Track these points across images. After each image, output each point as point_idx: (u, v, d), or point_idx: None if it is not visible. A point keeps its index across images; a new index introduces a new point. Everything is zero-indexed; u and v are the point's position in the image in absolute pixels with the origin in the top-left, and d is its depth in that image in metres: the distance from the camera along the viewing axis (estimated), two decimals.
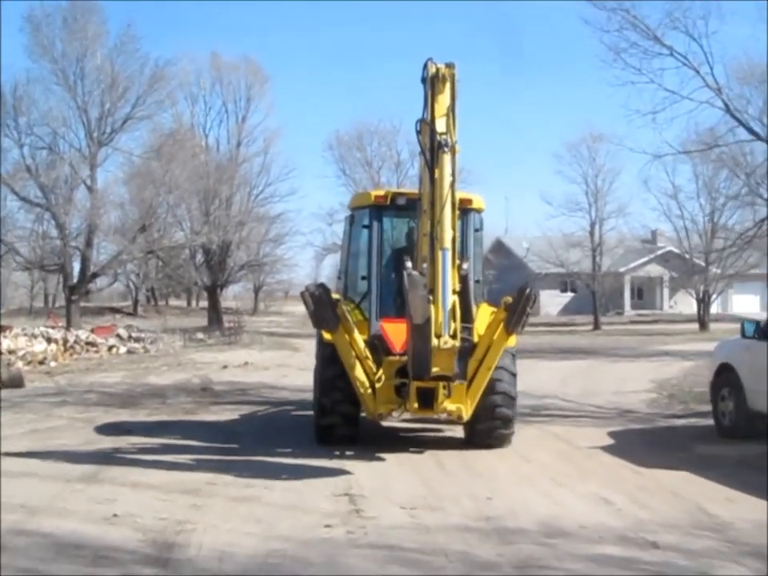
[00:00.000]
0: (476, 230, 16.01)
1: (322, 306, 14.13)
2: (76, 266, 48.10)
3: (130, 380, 26.61)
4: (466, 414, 14.02)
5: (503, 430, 15.08)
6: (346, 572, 8.40)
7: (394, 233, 16.74)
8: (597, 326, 67.18)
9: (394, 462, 13.94)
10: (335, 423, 14.89)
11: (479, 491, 11.77)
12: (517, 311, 13.74)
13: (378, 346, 14.62)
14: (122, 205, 51.01)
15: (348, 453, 14.30)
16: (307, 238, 74.20)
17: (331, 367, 14.70)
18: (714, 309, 66.68)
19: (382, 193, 16.39)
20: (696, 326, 64.06)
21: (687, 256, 68.02)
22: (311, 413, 16.19)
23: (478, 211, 16.13)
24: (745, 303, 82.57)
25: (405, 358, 13.72)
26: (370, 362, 14.38)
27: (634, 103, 40.71)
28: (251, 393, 23.60)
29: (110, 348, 38.13)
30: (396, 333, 14.34)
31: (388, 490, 11.88)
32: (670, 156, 59.53)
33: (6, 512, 10.16)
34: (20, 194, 46.19)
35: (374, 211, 15.78)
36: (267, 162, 64.50)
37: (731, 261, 62.81)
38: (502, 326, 13.97)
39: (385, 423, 15.67)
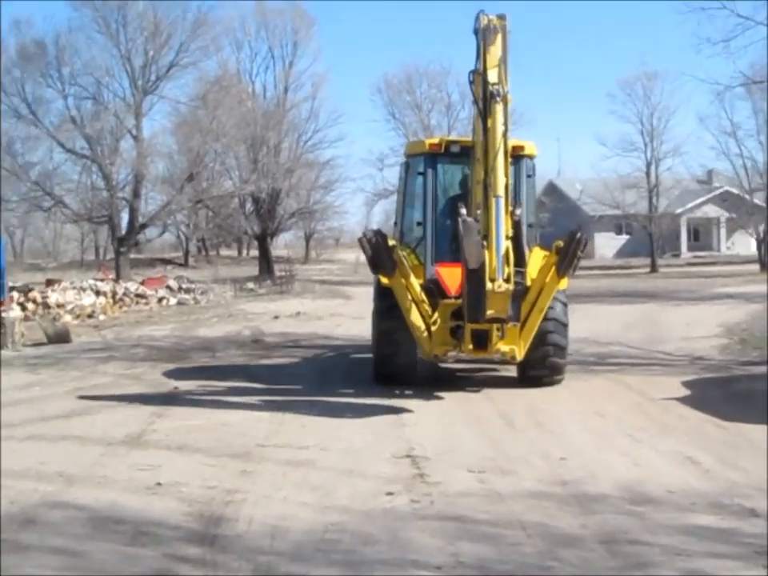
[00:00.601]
0: (528, 176, 16.43)
1: (379, 252, 14.61)
2: (124, 218, 47.47)
3: (180, 332, 25.90)
4: (519, 354, 14.49)
5: (556, 358, 15.54)
6: (413, 550, 7.46)
7: (448, 180, 16.95)
8: (654, 268, 65.68)
9: (456, 410, 13.28)
10: (393, 372, 15.60)
11: (552, 450, 10.91)
12: (568, 255, 14.10)
13: (434, 290, 15.05)
14: (168, 154, 50.21)
15: (407, 392, 14.96)
16: (357, 184, 73.57)
17: (388, 320, 15.34)
18: (758, 250, 64.69)
19: (436, 141, 16.77)
20: (756, 266, 62.55)
21: (747, 196, 66.42)
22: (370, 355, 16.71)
23: (531, 158, 16.54)
24: None
25: (460, 301, 14.15)
26: (426, 306, 14.87)
27: (705, 31, 39.25)
28: (304, 344, 22.84)
29: (160, 300, 37.49)
30: (451, 277, 14.69)
31: (453, 451, 11.04)
32: (729, 92, 58.54)
33: (42, 482, 9.49)
34: (66, 145, 45.41)
35: (428, 158, 16.27)
36: (315, 107, 63.33)
37: None
38: (553, 269, 14.37)
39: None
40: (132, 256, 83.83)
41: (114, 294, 35.86)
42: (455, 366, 17.10)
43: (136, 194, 45.97)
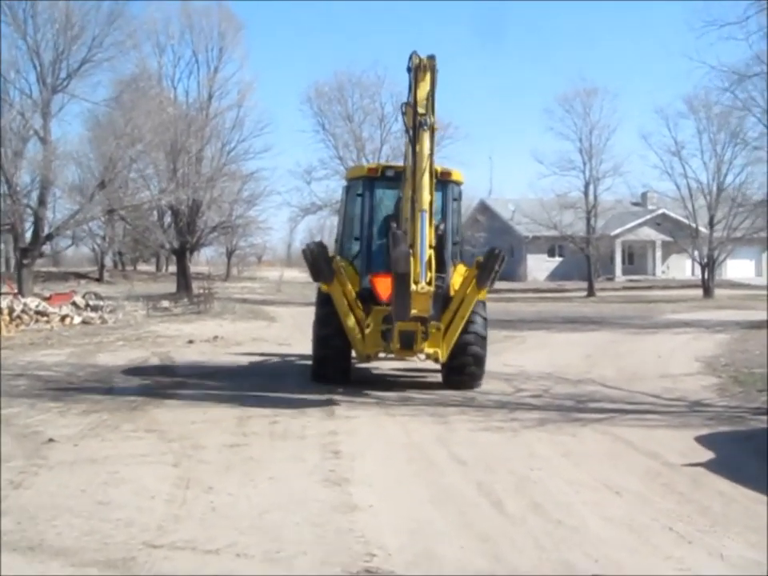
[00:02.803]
0: (454, 199, 18.47)
1: (319, 261, 16.93)
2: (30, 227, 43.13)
3: (76, 359, 22.06)
4: (442, 356, 16.92)
5: (475, 368, 17.60)
6: None
7: (383, 201, 18.64)
8: (591, 292, 63.22)
9: (417, 477, 9.70)
10: (330, 373, 17.60)
11: (574, 557, 7.71)
12: (486, 269, 16.68)
13: (368, 297, 17.30)
14: (79, 159, 46.06)
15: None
16: (283, 197, 70.04)
17: (326, 326, 17.29)
18: (702, 275, 62.27)
19: (374, 166, 19.45)
20: (697, 292, 60.62)
21: (685, 219, 64.23)
22: None
23: (457, 183, 18.66)
24: (739, 269, 79.15)
25: (390, 308, 15.72)
26: (360, 311, 17.20)
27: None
28: (220, 376, 19.19)
29: (63, 318, 33.42)
30: (383, 286, 16.49)
31: (430, 558, 7.64)
32: (671, 110, 56.38)
33: None
34: None
35: (366, 182, 18.38)
36: (240, 116, 59.29)
37: (738, 223, 59.23)
38: (474, 281, 16.85)
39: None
40: (44, 269, 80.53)
41: (11, 310, 31.86)
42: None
43: (42, 201, 41.69)
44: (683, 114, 60.40)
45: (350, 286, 17.22)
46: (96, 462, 10.91)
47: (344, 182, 20.56)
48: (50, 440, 12.07)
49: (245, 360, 22.43)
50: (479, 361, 17.57)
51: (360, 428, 13.47)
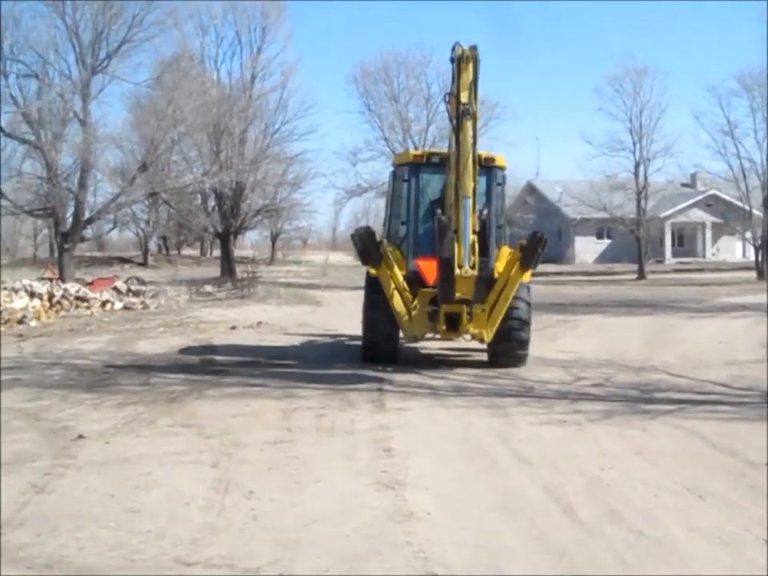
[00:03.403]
0: (498, 184, 18.84)
1: (367, 246, 17.43)
2: (72, 211, 42.35)
3: (114, 347, 21.27)
4: (487, 336, 17.29)
5: (520, 351, 18.07)
6: None
7: (429, 186, 18.93)
8: (642, 275, 61.59)
9: (478, 479, 8.74)
10: (378, 354, 18.10)
11: (662, 573, 6.82)
12: (529, 252, 17.01)
13: (414, 280, 17.67)
14: (120, 141, 45.35)
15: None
16: (329, 180, 68.88)
17: (377, 311, 17.74)
18: (755, 257, 60.58)
19: (419, 153, 19.98)
20: (749, 274, 58.85)
21: (738, 202, 62.72)
22: None
23: (501, 168, 19.04)
24: None
25: (436, 290, 16.50)
26: (408, 293, 17.54)
27: None
28: (264, 365, 18.33)
29: (104, 303, 32.71)
30: (429, 269, 16.98)
31: None
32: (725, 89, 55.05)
33: None
34: (5, 129, 40.41)
35: (412, 168, 18.86)
36: (284, 97, 58.23)
37: None
38: (517, 264, 17.17)
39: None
40: (88, 254, 79.97)
41: (51, 296, 31.18)
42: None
43: (82, 184, 40.79)
44: (736, 92, 58.82)
45: (397, 270, 17.60)
46: (128, 462, 10.07)
47: (390, 166, 21.68)
48: (80, 436, 11.25)
49: (289, 342, 21.62)
50: (523, 345, 18.04)
51: (413, 421, 12.54)
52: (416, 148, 55.73)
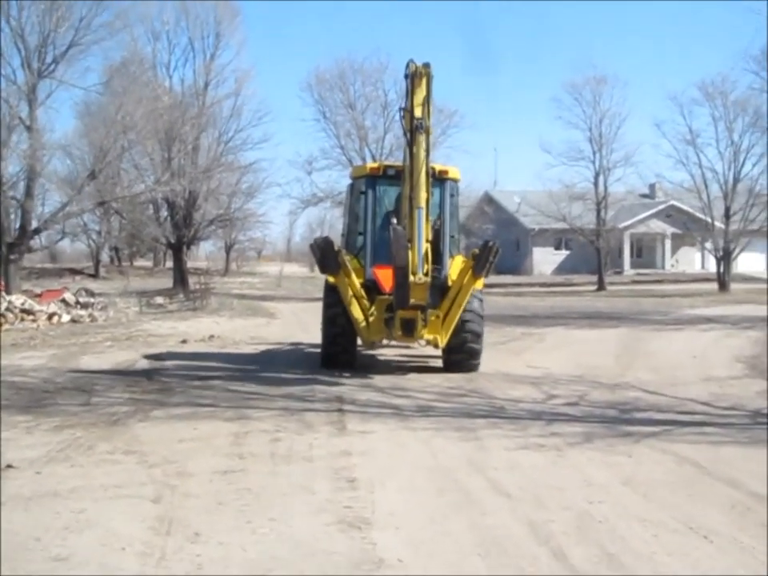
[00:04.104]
0: (451, 196, 19.58)
1: (327, 255, 17.93)
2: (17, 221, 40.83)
3: (58, 362, 19.99)
4: (442, 342, 18.00)
5: (472, 361, 18.63)
6: None
7: (385, 197, 19.60)
8: (602, 286, 60.93)
9: (455, 521, 7.66)
10: (337, 355, 18.61)
11: None
12: (481, 260, 17.69)
13: (371, 288, 18.37)
14: (68, 148, 43.95)
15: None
16: (284, 189, 67.66)
17: (336, 317, 18.27)
18: (717, 268, 59.89)
19: (376, 165, 20.75)
20: (710, 285, 58.44)
21: (699, 212, 62.31)
22: None
23: (454, 180, 19.88)
24: (749, 262, 76.80)
25: (392, 297, 17.33)
26: (365, 300, 18.19)
27: None
28: (215, 382, 17.14)
29: (51, 316, 31.29)
30: (385, 277, 17.71)
31: None
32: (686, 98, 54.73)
33: None
34: None
35: (369, 180, 19.53)
36: (238, 105, 56.86)
37: (754, 214, 57.29)
38: (470, 272, 17.87)
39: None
40: (39, 265, 78.33)
41: None
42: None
43: (29, 193, 39.34)
44: (698, 101, 58.27)
45: (354, 278, 18.18)
46: (59, 497, 8.89)
47: (347, 177, 23.12)
48: (9, 466, 10.05)
49: (237, 358, 20.49)
50: (477, 337, 18.51)
51: (377, 447, 11.42)
52: (373, 157, 55.00)
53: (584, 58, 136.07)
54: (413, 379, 17.82)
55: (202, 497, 8.92)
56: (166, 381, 17.16)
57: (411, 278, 16.23)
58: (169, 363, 19.90)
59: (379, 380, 17.56)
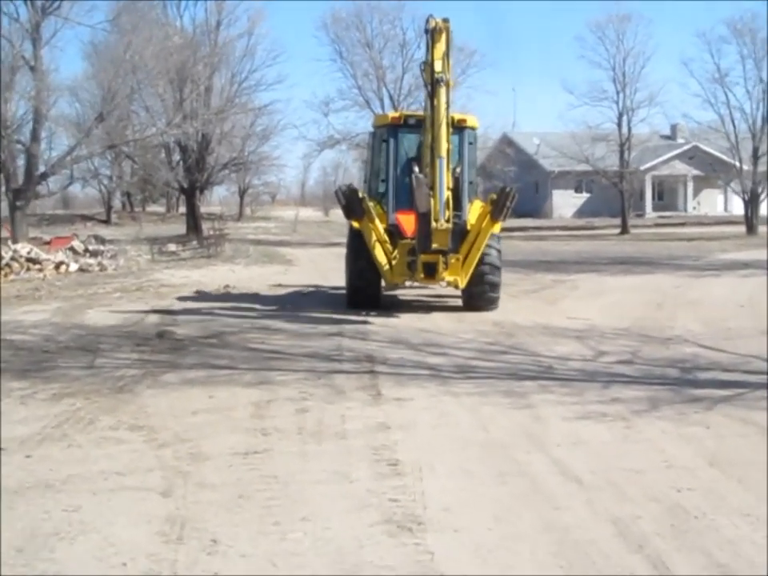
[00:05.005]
0: (470, 144, 20.27)
1: (351, 201, 18.66)
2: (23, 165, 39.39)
3: (62, 317, 18.60)
4: (462, 283, 18.72)
5: (491, 294, 19.30)
6: None
7: (406, 145, 20.31)
8: (625, 229, 59.30)
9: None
10: (363, 299, 19.28)
11: None
12: (499, 205, 18.32)
13: (394, 232, 19.04)
14: (75, 89, 42.50)
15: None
16: (299, 131, 66.29)
17: (361, 260, 19.03)
18: (745, 211, 58.15)
19: (397, 115, 21.93)
20: (734, 228, 56.93)
21: (723, 154, 60.68)
22: None
23: (472, 129, 20.67)
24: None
25: (414, 241, 18.06)
26: (388, 244, 18.95)
27: None
28: (232, 339, 15.77)
29: (58, 266, 29.98)
30: (408, 222, 18.46)
31: None
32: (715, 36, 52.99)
33: None
34: None
35: (390, 129, 20.36)
36: (251, 44, 55.56)
37: None
38: (488, 216, 18.50)
39: None
40: (50, 211, 77.01)
41: None
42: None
43: (34, 136, 37.90)
44: (726, 38, 56.50)
45: (378, 223, 18.90)
46: (51, 489, 7.53)
47: (363, 116, 24.60)
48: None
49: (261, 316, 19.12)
50: (494, 287, 19.32)
51: (418, 418, 10.00)
52: (391, 97, 53.59)
53: None
54: (446, 333, 16.42)
55: (220, 488, 7.54)
56: (178, 338, 15.69)
57: (434, 224, 17.13)
58: (181, 318, 18.45)
59: (410, 334, 16.31)
